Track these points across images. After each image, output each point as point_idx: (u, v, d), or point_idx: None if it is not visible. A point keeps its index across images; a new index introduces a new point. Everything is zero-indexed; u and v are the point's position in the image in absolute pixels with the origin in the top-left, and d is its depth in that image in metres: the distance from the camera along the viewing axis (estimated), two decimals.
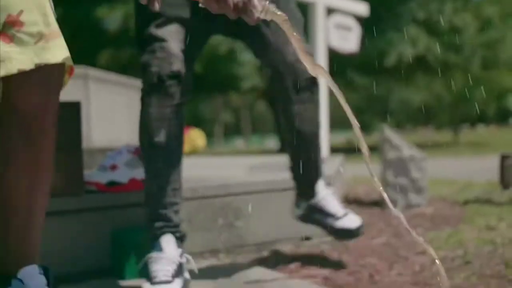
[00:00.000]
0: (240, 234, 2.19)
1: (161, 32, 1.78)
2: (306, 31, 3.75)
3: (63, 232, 1.93)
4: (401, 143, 3.39)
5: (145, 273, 1.79)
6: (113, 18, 18.20)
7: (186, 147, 6.91)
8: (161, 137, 1.78)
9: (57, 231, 1.91)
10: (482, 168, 5.62)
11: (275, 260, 2.23)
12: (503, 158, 3.76)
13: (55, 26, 1.23)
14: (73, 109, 1.95)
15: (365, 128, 21.56)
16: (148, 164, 1.81)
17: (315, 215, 2.14)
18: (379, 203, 3.48)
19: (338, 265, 2.13)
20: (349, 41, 6.09)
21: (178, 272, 1.75)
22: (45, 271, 1.29)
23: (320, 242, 2.36)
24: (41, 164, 1.26)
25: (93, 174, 2.07)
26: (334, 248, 2.38)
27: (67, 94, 1.92)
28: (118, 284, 1.91)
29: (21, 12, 1.17)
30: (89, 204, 1.98)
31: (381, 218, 3.09)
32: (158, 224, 1.79)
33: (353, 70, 17.00)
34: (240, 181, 2.24)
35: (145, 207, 1.83)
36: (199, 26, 1.84)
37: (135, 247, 1.96)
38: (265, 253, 2.33)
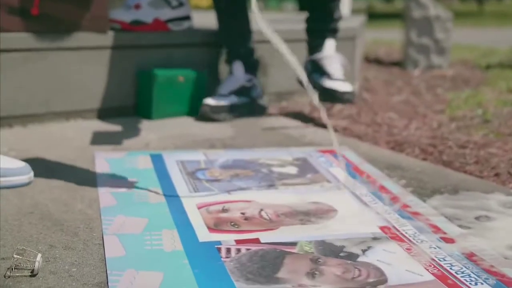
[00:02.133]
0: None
1: None
2: None
3: (88, 68, 1.93)
4: (427, 2, 3.29)
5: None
6: None
7: (206, 2, 6.77)
8: None
9: (82, 67, 1.92)
10: (507, 37, 5.50)
11: (294, 110, 2.25)
12: None
13: None
14: None
15: None
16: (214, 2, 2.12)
17: (313, 74, 2.05)
18: (399, 63, 3.45)
19: (357, 118, 2.15)
20: None
21: (238, 92, 2.07)
22: None
23: None
24: None
25: (117, 12, 2.04)
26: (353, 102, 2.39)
27: None
28: (143, 122, 1.94)
29: None
30: (114, 42, 1.96)
31: (400, 77, 3.08)
32: (230, 53, 2.11)
33: None
34: (258, 29, 2.20)
35: (218, 37, 2.16)
36: None
37: (160, 87, 1.98)
38: (284, 103, 2.35)
